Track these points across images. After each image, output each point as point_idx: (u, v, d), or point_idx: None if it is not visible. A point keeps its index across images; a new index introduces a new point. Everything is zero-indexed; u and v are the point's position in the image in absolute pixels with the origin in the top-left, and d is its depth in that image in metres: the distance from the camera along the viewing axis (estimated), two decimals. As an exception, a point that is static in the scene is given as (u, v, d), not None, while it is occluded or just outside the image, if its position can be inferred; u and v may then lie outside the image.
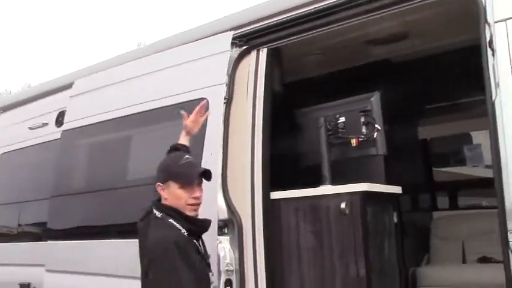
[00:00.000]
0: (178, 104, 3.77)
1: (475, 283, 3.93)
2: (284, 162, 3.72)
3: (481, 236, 4.39)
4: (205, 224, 2.71)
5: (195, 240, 2.62)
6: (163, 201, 2.69)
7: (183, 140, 3.10)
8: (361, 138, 3.60)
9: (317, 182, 3.56)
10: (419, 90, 4.68)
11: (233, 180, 3.45)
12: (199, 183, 2.69)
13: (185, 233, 2.56)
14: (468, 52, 3.27)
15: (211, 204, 3.17)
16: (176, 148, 3.02)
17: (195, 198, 2.64)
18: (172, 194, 2.64)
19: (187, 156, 2.76)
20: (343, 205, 3.24)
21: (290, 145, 3.91)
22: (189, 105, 3.77)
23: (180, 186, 2.62)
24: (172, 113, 3.87)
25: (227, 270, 3.25)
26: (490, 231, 2.75)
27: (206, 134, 3.54)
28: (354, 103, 3.73)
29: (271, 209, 3.44)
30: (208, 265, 2.69)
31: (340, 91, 3.94)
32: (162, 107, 3.93)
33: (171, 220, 2.59)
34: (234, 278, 3.27)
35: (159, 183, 2.69)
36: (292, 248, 3.44)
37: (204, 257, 2.66)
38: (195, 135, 3.16)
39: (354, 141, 3.61)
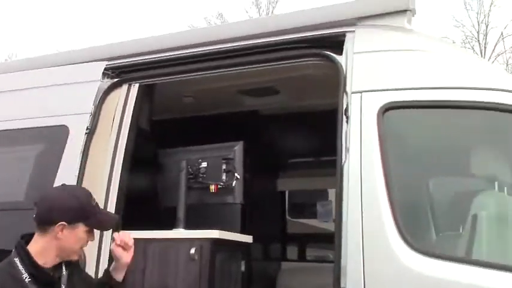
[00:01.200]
0: (35, 128, 3.60)
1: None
2: (142, 201, 3.66)
3: (323, 289, 4.58)
4: (51, 275, 2.35)
5: None
6: (35, 241, 2.35)
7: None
8: (220, 185, 3.67)
9: (172, 225, 3.55)
10: (283, 144, 4.88)
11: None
12: None
13: (27, 279, 2.27)
14: (329, 114, 3.45)
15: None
16: None
17: (89, 242, 2.50)
18: (74, 237, 2.36)
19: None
20: (192, 250, 3.25)
21: (150, 184, 3.87)
22: (47, 131, 3.62)
23: (89, 230, 2.43)
24: (28, 136, 3.69)
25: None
26: (331, 285, 2.86)
27: (61, 163, 3.41)
28: (218, 150, 3.82)
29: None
30: None
31: (207, 136, 4.00)
32: (17, 129, 3.71)
33: (16, 259, 2.31)
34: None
35: (64, 223, 2.32)
36: (136, 291, 3.35)
37: None
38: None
39: (212, 188, 3.68)
